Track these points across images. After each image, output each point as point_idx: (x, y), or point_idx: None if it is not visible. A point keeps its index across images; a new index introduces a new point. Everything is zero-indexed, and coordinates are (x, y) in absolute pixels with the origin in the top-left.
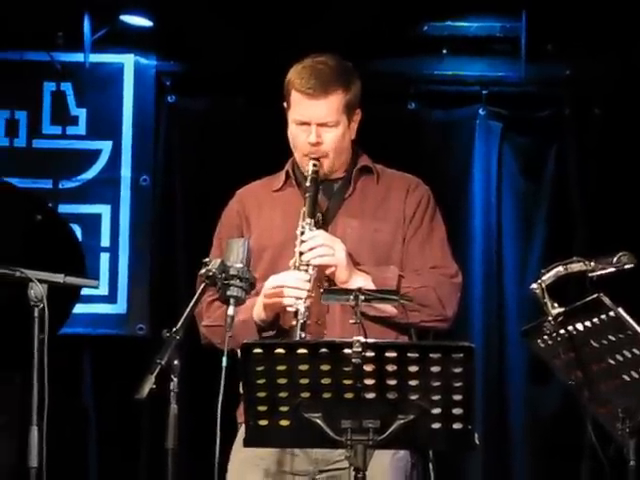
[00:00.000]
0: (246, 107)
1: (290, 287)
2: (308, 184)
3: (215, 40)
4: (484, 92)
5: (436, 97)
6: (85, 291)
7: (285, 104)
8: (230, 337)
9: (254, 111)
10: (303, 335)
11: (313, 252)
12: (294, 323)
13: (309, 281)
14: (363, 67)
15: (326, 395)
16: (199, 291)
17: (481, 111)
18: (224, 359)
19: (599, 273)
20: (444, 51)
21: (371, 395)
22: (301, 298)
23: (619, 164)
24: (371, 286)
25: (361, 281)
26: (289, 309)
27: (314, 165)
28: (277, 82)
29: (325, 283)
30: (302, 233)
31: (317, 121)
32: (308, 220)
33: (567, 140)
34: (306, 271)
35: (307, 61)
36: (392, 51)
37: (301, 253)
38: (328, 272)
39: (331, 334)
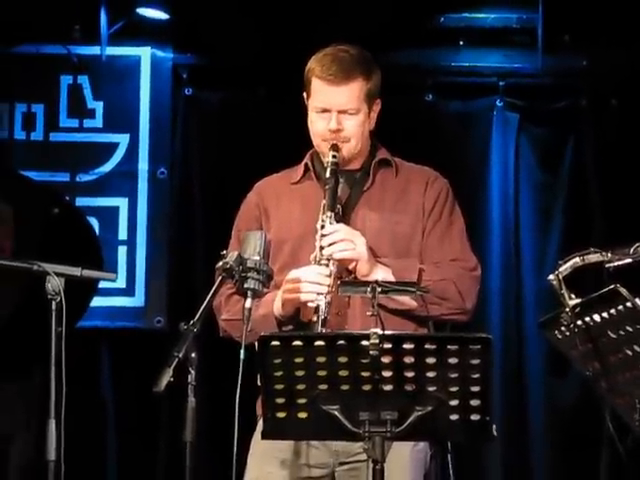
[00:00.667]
0: (263, 99)
1: (311, 282)
2: (328, 176)
3: (231, 32)
4: (501, 83)
5: (453, 89)
6: (103, 284)
7: (305, 93)
8: (250, 331)
9: (271, 103)
10: (324, 331)
11: (334, 247)
12: (315, 319)
13: (330, 276)
14: (380, 59)
15: (344, 387)
16: (216, 284)
17: (498, 102)
18: (242, 352)
19: (616, 264)
20: (461, 43)
21: (389, 387)
22: (322, 293)
23: (636, 155)
24: (391, 279)
25: (382, 274)
26: (310, 304)
27: (334, 157)
28: (294, 74)
29: (347, 275)
30: (322, 227)
31: (338, 108)
32: (328, 213)
33: (584, 131)
34: (327, 266)
35: (328, 49)
36: (409, 43)
37: (322, 247)
38: (350, 267)
39: (352, 327)
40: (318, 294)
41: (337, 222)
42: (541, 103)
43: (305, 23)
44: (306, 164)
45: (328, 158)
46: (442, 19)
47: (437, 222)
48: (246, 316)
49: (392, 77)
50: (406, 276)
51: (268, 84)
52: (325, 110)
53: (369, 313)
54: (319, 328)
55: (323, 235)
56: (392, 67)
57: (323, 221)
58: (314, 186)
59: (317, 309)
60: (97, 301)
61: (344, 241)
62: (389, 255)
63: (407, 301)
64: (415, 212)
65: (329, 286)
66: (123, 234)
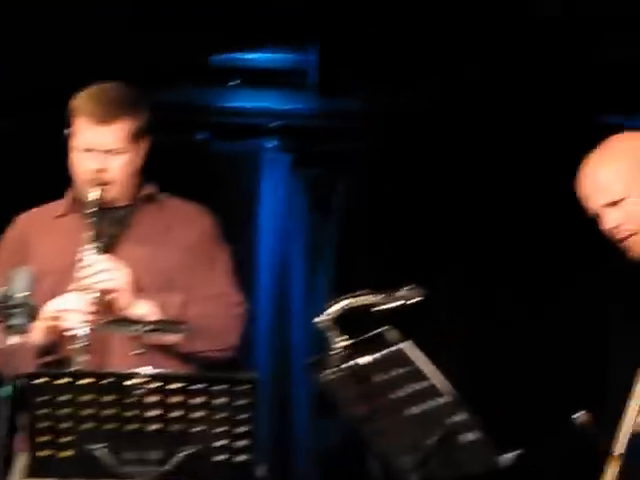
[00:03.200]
0: (20, 133)
1: (71, 310)
2: (91, 209)
3: None
4: (274, 124)
5: (225, 129)
6: None
7: (67, 131)
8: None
9: (31, 137)
10: (84, 359)
11: (95, 276)
12: (75, 347)
13: (90, 305)
14: (151, 97)
15: (109, 426)
16: None
17: (270, 143)
18: (6, 389)
19: (382, 307)
20: (234, 82)
21: (155, 426)
22: (82, 321)
23: (406, 196)
24: (155, 312)
25: (144, 307)
26: (69, 333)
27: (97, 192)
28: (55, 109)
29: (107, 308)
30: (84, 258)
31: (104, 148)
32: (91, 245)
33: (356, 173)
34: (88, 295)
35: (94, 88)
36: (180, 81)
37: (83, 277)
38: (110, 297)
39: (112, 361)
40: (79, 322)
41: (100, 255)
42: (314, 145)
43: (69, 61)
44: (70, 198)
45: (91, 194)
46: (216, 58)
47: (202, 257)
48: (11, 352)
49: (163, 115)
50: (169, 311)
51: (26, 118)
52: (90, 149)
53: (136, 351)
54: (79, 356)
55: (85, 266)
56: (163, 105)
57: (85, 252)
58: (77, 220)
59: (77, 337)
60: None
61: (105, 271)
62: (153, 289)
63: (170, 336)
64: (180, 247)
65: (90, 314)
66: None
